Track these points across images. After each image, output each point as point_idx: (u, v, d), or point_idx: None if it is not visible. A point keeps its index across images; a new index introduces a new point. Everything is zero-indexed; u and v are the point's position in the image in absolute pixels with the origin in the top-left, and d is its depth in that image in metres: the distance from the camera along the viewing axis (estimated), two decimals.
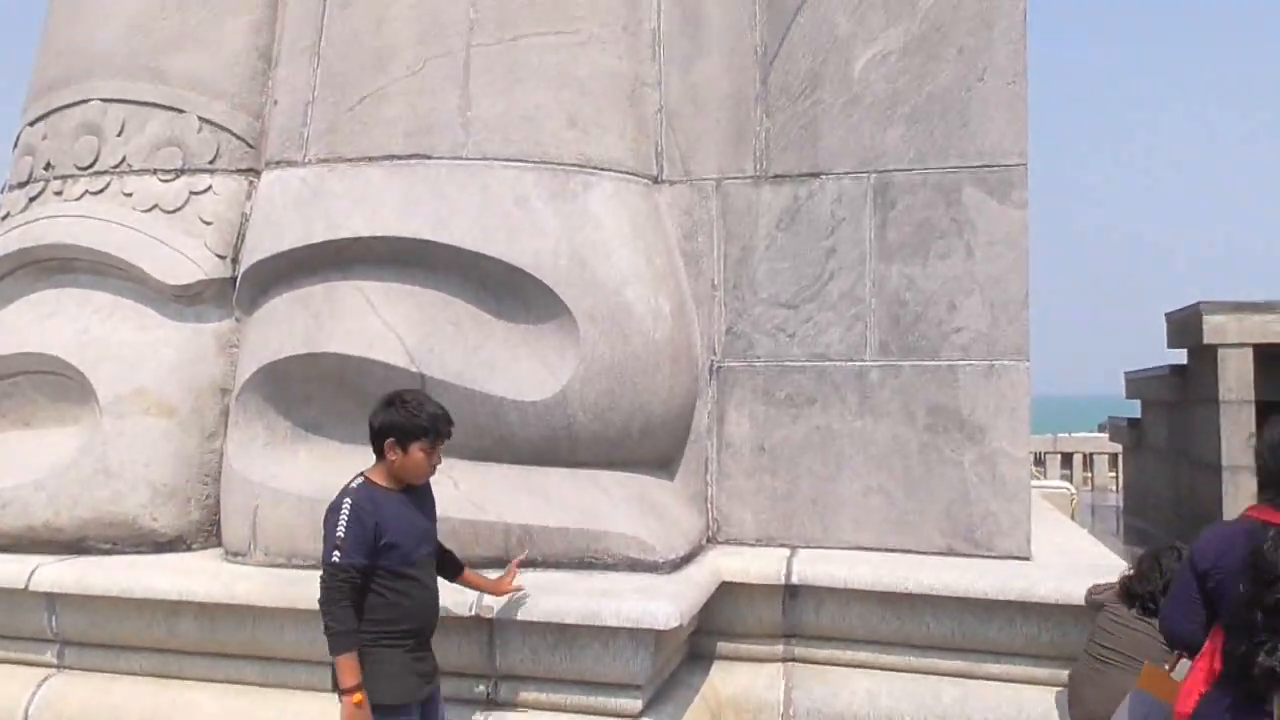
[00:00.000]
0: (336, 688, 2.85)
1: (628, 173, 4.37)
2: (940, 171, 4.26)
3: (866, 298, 4.30)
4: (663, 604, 3.28)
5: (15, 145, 5.12)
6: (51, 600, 3.89)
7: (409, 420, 3.04)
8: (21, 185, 4.88)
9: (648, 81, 4.55)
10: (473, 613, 3.35)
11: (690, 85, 4.56)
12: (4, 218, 4.87)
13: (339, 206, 4.14)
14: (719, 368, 4.45)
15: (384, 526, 2.94)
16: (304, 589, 3.57)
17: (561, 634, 3.35)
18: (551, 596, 3.39)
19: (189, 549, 4.16)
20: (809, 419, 4.33)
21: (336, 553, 2.88)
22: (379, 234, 4.07)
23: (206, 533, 4.23)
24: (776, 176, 4.43)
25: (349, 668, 2.82)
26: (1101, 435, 16.79)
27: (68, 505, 4.03)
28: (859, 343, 4.30)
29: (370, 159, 4.22)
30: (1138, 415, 12.07)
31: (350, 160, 4.24)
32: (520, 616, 3.33)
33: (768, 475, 4.36)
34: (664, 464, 4.42)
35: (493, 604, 3.34)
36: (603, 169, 4.30)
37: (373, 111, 4.27)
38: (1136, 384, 11.90)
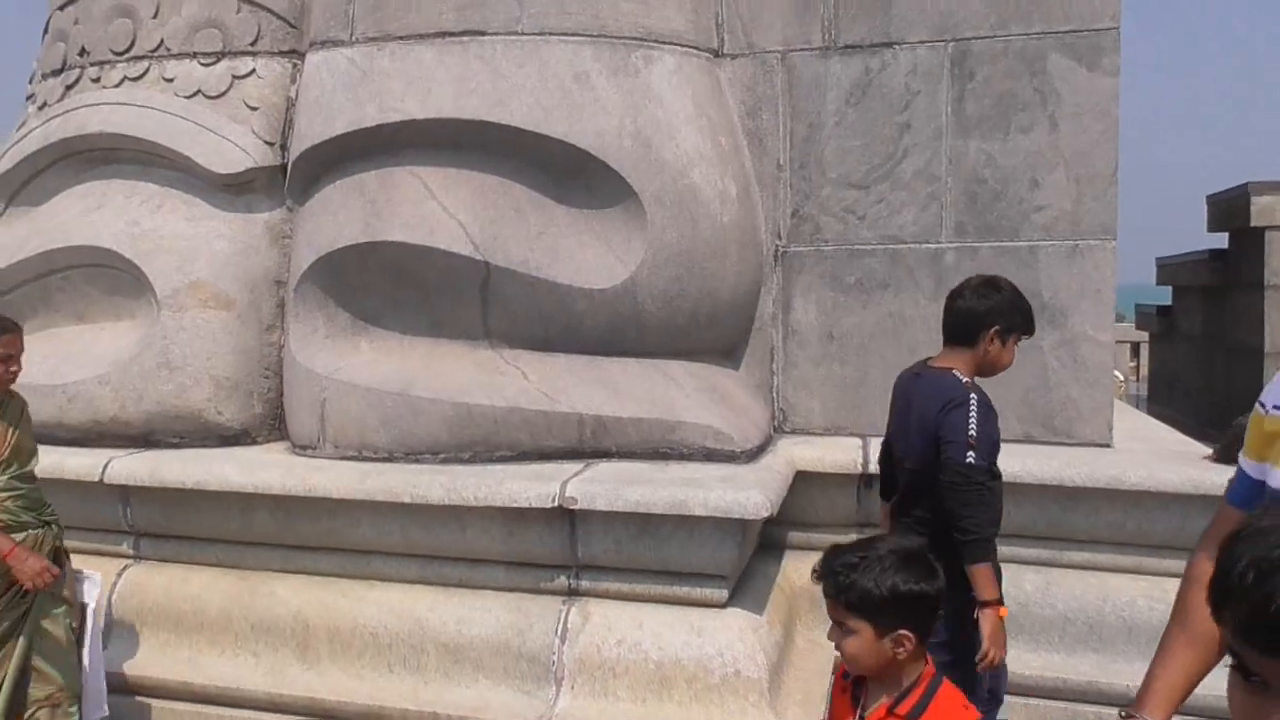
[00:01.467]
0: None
1: (689, 46, 4.14)
2: (1024, 38, 4.01)
3: (942, 176, 4.10)
4: (752, 493, 3.21)
5: (45, 31, 4.91)
6: (125, 492, 3.87)
7: (1018, 309, 2.87)
8: (56, 73, 4.70)
9: None
10: (555, 504, 3.29)
11: None
12: (41, 107, 4.71)
13: (391, 88, 3.95)
14: (784, 253, 4.29)
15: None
16: (378, 481, 3.54)
17: (645, 524, 3.29)
18: (635, 487, 3.32)
19: (254, 442, 4.13)
20: (880, 305, 4.19)
21: (971, 453, 2.69)
22: (434, 116, 3.89)
23: (270, 426, 4.18)
24: (846, 47, 4.18)
25: (990, 578, 2.69)
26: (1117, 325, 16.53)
27: (133, 399, 3.98)
28: (934, 224, 4.12)
29: (421, 36, 4.01)
30: (1167, 303, 11.82)
31: (400, 38, 4.03)
32: (603, 507, 3.27)
33: (836, 363, 4.25)
34: (728, 353, 4.32)
35: (576, 495, 3.28)
36: (664, 42, 4.07)
37: None
38: (1170, 270, 11.61)
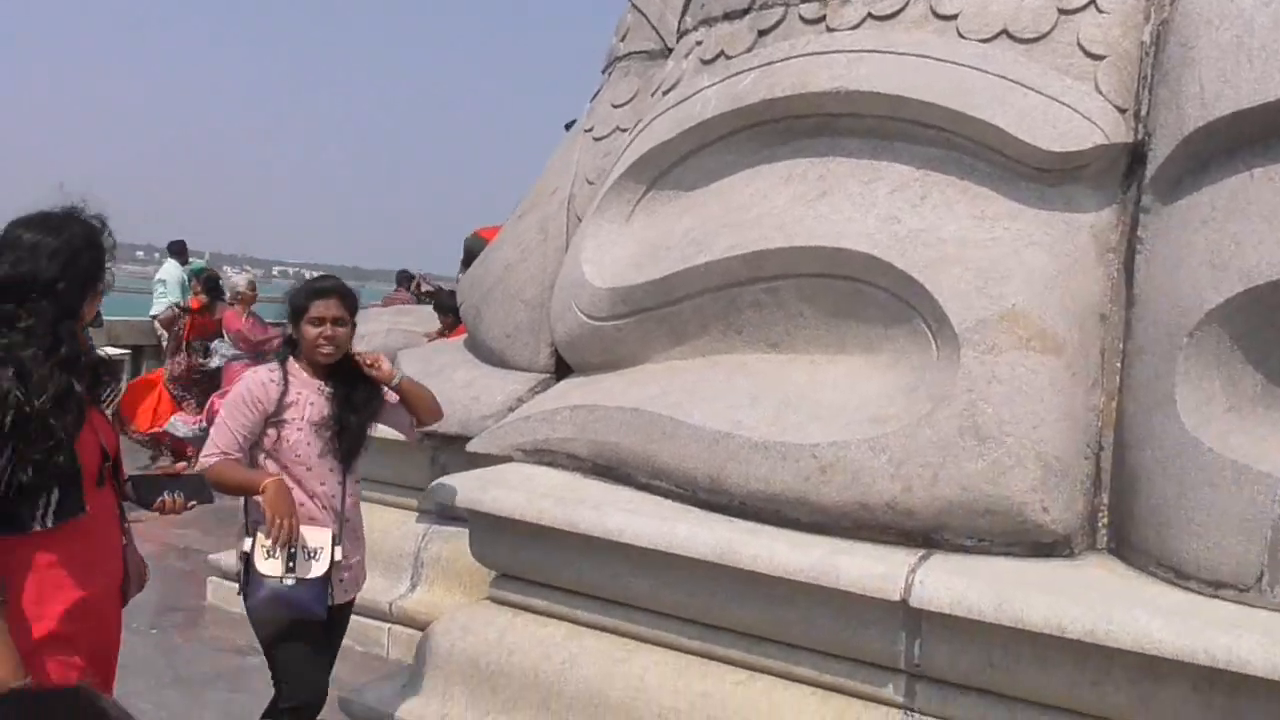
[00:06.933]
0: None
1: None
2: None
3: None
4: None
5: None
6: (915, 618, 2.62)
7: None
8: (737, 15, 3.57)
9: None
10: None
11: None
12: (710, 61, 3.60)
13: None
14: None
15: None
16: None
17: None
18: None
19: (1070, 554, 2.75)
20: None
21: None
22: None
23: (1083, 531, 2.81)
24: None
25: None
26: None
27: (924, 480, 2.71)
28: None
29: None
30: None
31: None
32: None
33: None
34: None
35: None
36: None
37: None
38: None
